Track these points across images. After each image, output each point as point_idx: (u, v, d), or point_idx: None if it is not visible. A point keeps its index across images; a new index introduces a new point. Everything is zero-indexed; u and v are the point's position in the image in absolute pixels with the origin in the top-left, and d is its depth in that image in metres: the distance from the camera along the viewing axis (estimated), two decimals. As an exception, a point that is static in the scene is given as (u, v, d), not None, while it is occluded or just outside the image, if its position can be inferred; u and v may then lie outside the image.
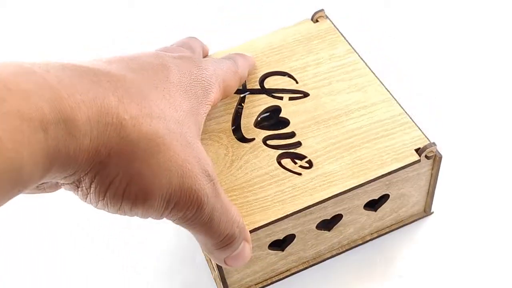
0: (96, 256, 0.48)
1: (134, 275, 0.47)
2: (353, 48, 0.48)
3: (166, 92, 0.33)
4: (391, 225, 0.47)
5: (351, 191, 0.40)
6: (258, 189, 0.40)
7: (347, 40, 0.49)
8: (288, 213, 0.39)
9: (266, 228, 0.39)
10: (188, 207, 0.32)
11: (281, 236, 0.42)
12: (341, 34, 0.49)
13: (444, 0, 0.64)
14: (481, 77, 0.57)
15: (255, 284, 0.45)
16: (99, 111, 0.28)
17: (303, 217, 0.41)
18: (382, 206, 0.44)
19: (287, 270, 0.46)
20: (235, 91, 0.44)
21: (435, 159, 0.42)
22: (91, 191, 0.30)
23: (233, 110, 0.45)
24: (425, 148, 0.41)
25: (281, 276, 0.45)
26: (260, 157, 0.42)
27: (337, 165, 0.41)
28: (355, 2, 0.66)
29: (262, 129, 0.44)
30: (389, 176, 0.41)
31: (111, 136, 0.29)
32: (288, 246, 0.43)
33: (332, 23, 0.50)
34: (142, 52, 0.36)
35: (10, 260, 0.49)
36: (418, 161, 0.41)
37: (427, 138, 0.42)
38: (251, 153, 0.42)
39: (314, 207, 0.40)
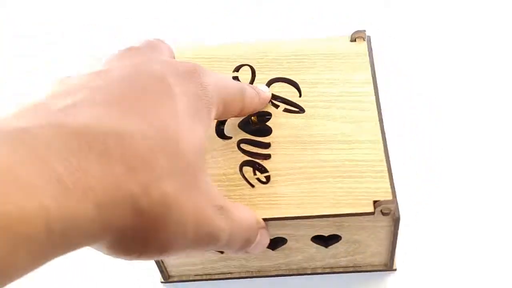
0: (96, 256, 0.49)
1: (134, 273, 0.47)
2: (373, 78, 0.46)
3: (172, 132, 0.30)
4: (347, 266, 0.45)
5: (293, 220, 0.39)
6: None
7: (373, 68, 0.46)
8: None
9: None
10: (206, 246, 0.33)
11: (217, 239, 0.42)
12: (371, 60, 0.47)
13: (444, 0, 0.62)
14: (481, 77, 0.56)
15: (195, 275, 0.46)
16: (107, 191, 0.26)
17: None
18: (335, 245, 0.42)
19: (229, 272, 0.46)
20: (232, 116, 0.41)
21: (393, 218, 0.39)
22: (105, 252, 0.29)
23: None
24: (383, 203, 0.38)
25: (222, 276, 0.46)
26: (227, 157, 0.42)
27: (291, 190, 0.40)
28: (354, 1, 0.64)
29: (243, 130, 0.44)
30: (338, 218, 0.39)
31: (122, 212, 0.27)
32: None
33: (369, 47, 0.48)
34: (141, 69, 0.32)
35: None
36: (372, 213, 0.39)
37: (393, 194, 0.39)
38: (220, 151, 0.42)
39: None
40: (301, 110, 0.44)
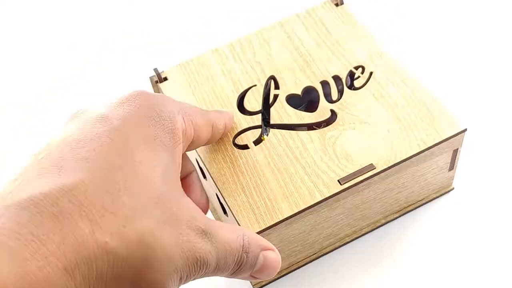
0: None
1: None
2: None
3: (131, 167, 0.29)
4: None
5: None
6: None
7: None
8: None
9: None
10: (197, 272, 0.30)
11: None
12: None
13: (444, 1, 0.63)
14: (481, 76, 0.56)
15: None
16: (74, 252, 0.25)
17: None
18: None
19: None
20: (204, 135, 0.37)
21: None
22: None
23: None
24: None
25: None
26: None
27: None
28: (355, 2, 0.63)
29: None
30: None
31: (99, 267, 0.25)
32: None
33: None
34: (83, 122, 0.30)
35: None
36: None
37: None
38: None
39: None
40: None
